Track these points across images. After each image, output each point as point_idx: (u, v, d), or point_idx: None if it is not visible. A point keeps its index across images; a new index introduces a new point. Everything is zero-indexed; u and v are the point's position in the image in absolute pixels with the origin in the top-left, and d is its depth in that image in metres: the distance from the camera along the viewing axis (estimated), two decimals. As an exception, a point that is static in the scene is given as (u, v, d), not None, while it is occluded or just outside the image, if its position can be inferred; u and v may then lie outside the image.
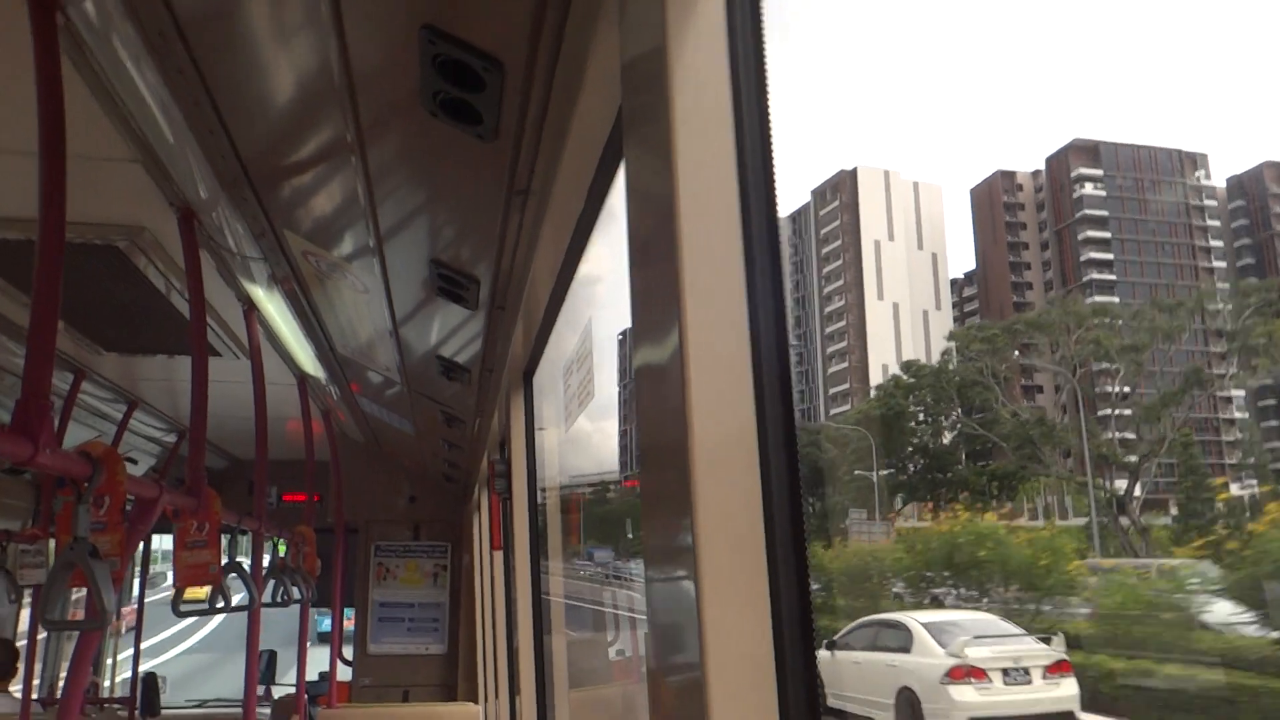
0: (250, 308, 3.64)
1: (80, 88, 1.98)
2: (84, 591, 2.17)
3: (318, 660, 7.81)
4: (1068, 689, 16.79)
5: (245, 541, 4.54)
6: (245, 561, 4.12)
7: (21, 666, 5.82)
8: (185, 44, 1.80)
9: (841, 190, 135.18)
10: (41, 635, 6.68)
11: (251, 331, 3.74)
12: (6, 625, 6.65)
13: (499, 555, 5.49)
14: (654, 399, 1.16)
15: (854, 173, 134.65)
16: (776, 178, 1.15)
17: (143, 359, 4.61)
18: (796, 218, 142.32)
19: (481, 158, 2.04)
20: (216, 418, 5.71)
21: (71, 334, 4.00)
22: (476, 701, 6.91)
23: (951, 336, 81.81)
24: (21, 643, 6.14)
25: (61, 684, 7.11)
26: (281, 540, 5.41)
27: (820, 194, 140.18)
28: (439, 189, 2.38)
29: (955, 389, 72.92)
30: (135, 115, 2.14)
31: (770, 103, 1.15)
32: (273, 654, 8.71)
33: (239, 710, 5.51)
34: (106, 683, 8.57)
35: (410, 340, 3.79)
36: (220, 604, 3.77)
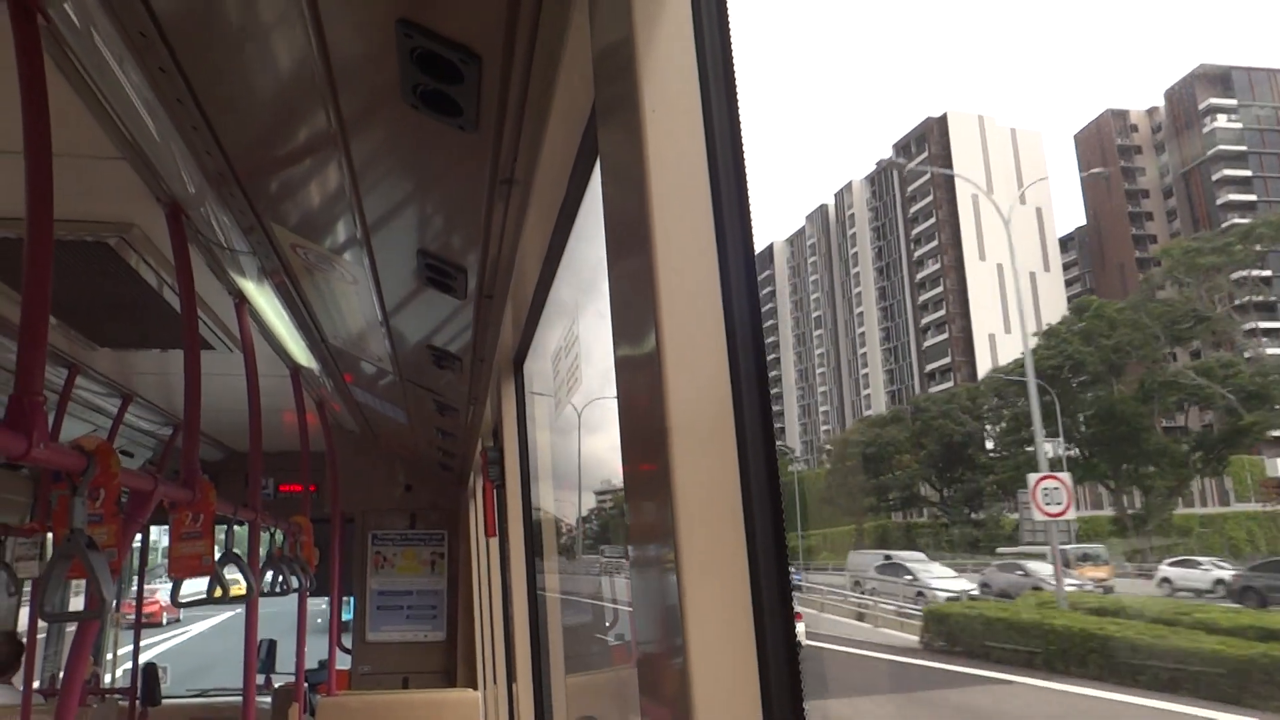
0: (241, 301, 3.66)
1: (64, 87, 2.00)
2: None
3: (317, 649, 7.85)
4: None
5: (244, 534, 4.56)
6: (242, 552, 4.15)
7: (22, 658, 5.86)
8: (166, 43, 1.82)
9: (929, 140, 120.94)
10: (42, 630, 6.72)
11: (243, 324, 3.75)
12: (8, 618, 6.69)
13: (494, 542, 5.52)
14: (633, 385, 1.18)
15: (943, 120, 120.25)
16: (747, 163, 1.17)
17: (136, 353, 4.62)
18: (876, 178, 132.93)
19: (464, 148, 2.06)
20: (211, 411, 5.76)
21: (65, 330, 4.01)
22: (476, 688, 6.95)
23: (1164, 253, 69.64)
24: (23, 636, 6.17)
25: (61, 675, 7.14)
26: (278, 530, 5.43)
27: (903, 148, 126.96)
28: (423, 180, 2.40)
29: (1162, 326, 58.63)
30: (120, 113, 2.15)
31: (739, 89, 1.18)
32: (272, 643, 8.76)
33: (239, 699, 5.54)
34: (108, 677, 8.62)
35: (401, 330, 3.81)
36: (218, 594, 3.80)
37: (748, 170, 1.16)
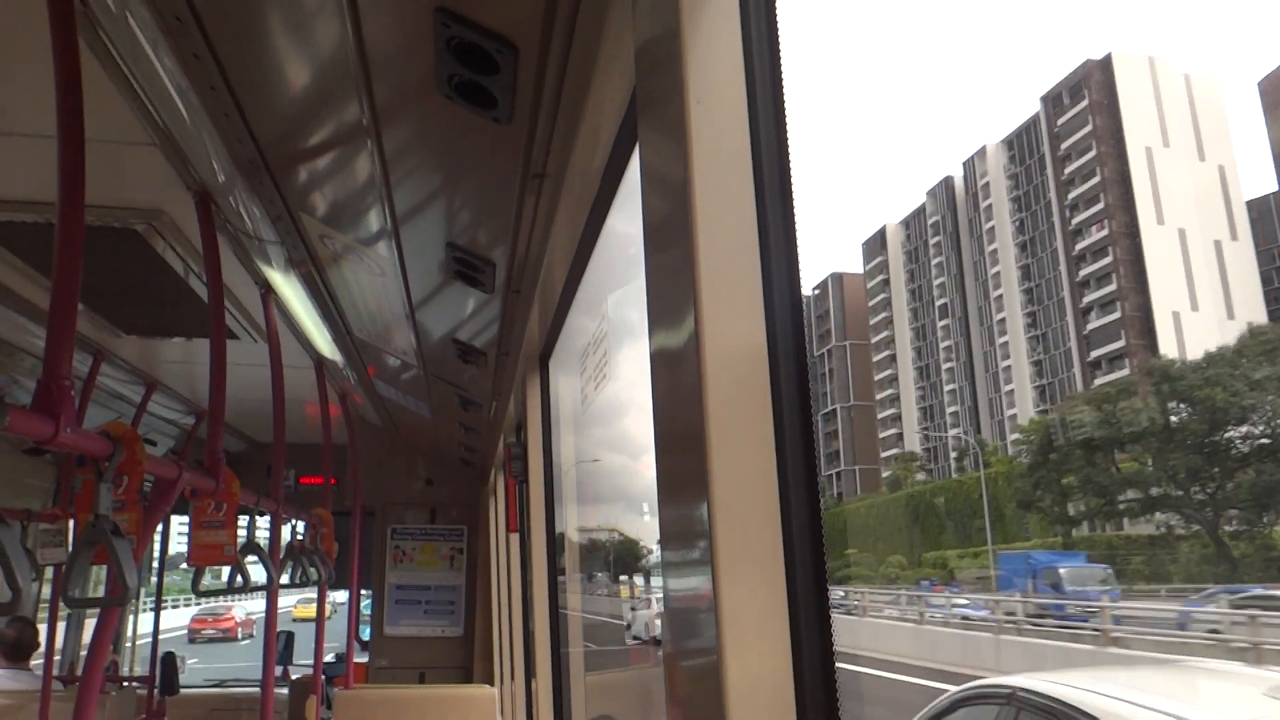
0: (267, 291, 3.66)
1: (98, 72, 1.99)
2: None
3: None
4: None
5: (265, 524, 4.57)
6: (263, 542, 4.15)
7: (42, 644, 5.89)
8: (201, 28, 1.81)
9: (1088, 87, 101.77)
10: (62, 616, 6.74)
11: (269, 315, 3.75)
12: (27, 604, 6.72)
13: (515, 538, 5.51)
14: (670, 384, 1.16)
15: (1106, 62, 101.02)
16: (791, 159, 1.15)
17: (161, 341, 4.63)
18: (1014, 141, 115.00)
19: (496, 141, 2.05)
20: (234, 400, 5.77)
21: (91, 316, 4.02)
22: (493, 684, 6.94)
23: None
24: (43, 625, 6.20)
25: (82, 662, 7.18)
26: (299, 522, 5.43)
27: (1054, 99, 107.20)
28: (454, 172, 2.39)
29: None
30: (152, 99, 2.15)
31: (785, 83, 1.15)
32: (290, 635, 8.77)
33: (257, 690, 5.54)
34: (126, 667, 8.66)
35: (426, 323, 3.80)
36: (239, 584, 3.80)
37: (792, 164, 1.14)
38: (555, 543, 4.42)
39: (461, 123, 1.98)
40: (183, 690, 7.45)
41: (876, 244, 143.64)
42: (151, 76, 2.03)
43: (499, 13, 1.60)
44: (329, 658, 8.05)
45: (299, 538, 5.30)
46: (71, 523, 3.62)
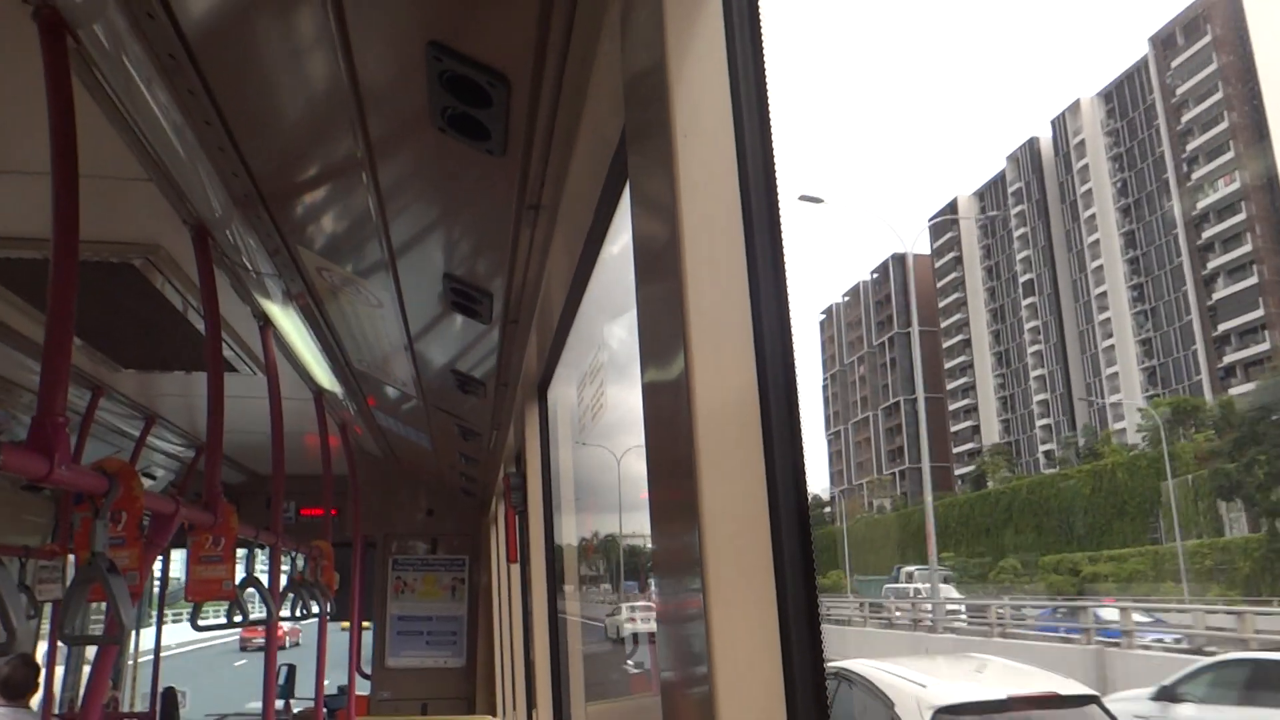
0: (266, 324, 3.66)
1: (93, 108, 2.00)
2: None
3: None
4: None
5: (264, 556, 4.56)
6: (263, 577, 4.13)
7: (41, 682, 5.86)
8: (195, 65, 1.82)
9: (1210, 22, 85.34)
10: (61, 651, 6.72)
11: (267, 347, 3.76)
12: (26, 641, 6.70)
13: (516, 569, 5.49)
14: (660, 413, 1.17)
15: None
16: (779, 190, 1.15)
17: (160, 375, 4.63)
18: (1113, 94, 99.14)
19: (491, 173, 2.06)
20: (234, 433, 5.76)
21: (89, 351, 4.03)
22: (495, 714, 6.91)
23: None
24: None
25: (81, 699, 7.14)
26: (300, 555, 5.42)
27: (1164, 41, 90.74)
28: (450, 204, 2.40)
29: None
30: (148, 135, 2.15)
31: (771, 114, 1.16)
32: (291, 667, 8.74)
33: None
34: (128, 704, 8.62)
35: (425, 354, 3.80)
36: (238, 618, 3.79)
37: (780, 194, 1.15)
38: (555, 573, 4.41)
39: (456, 155, 1.99)
40: None
41: (945, 220, 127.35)
42: (146, 112, 2.04)
43: (490, 46, 1.61)
44: (331, 690, 8.01)
45: (299, 570, 5.29)
46: (70, 558, 3.61)
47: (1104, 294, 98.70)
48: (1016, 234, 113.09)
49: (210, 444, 3.04)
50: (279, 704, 8.34)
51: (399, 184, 2.28)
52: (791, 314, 1.13)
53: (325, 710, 6.48)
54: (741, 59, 1.16)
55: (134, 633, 8.15)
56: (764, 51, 1.16)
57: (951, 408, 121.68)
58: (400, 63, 1.72)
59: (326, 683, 5.87)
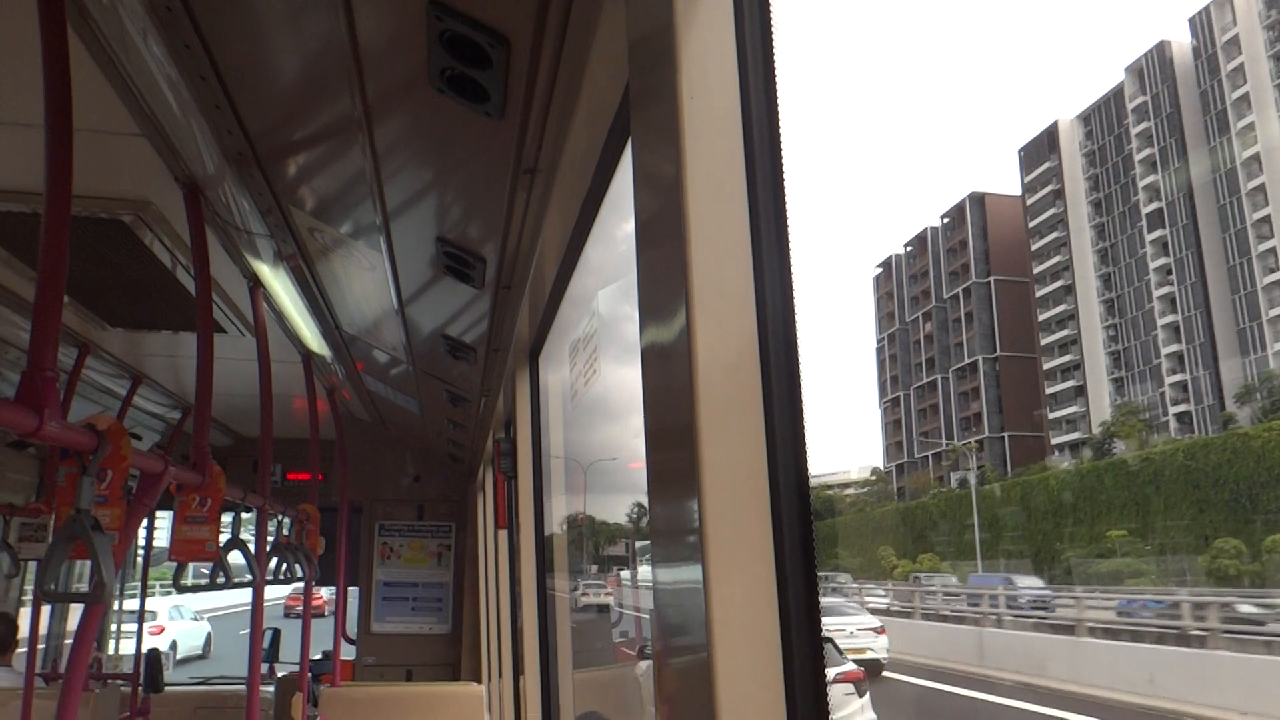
0: (256, 284, 3.64)
1: (87, 61, 1.98)
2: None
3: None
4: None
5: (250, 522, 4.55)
6: (249, 539, 4.13)
7: (25, 641, 5.86)
8: (192, 18, 1.80)
9: None
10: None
11: (257, 308, 3.74)
12: (7, 599, 6.69)
13: (504, 535, 5.50)
14: (661, 380, 1.16)
15: None
16: (784, 155, 1.14)
17: (148, 335, 4.61)
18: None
19: (488, 135, 2.04)
20: (221, 395, 5.75)
21: (77, 308, 4.00)
22: (480, 681, 6.93)
23: None
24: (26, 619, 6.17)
25: (65, 659, 7.14)
26: (285, 517, 5.41)
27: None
28: (446, 166, 2.38)
29: None
30: (142, 90, 2.13)
31: (778, 80, 1.15)
32: (276, 632, 8.75)
33: (243, 688, 5.52)
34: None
35: (416, 319, 3.79)
36: (221, 579, 3.78)
37: (784, 156, 1.14)
38: (544, 539, 4.42)
39: (453, 117, 1.97)
40: (167, 688, 7.41)
41: (1042, 148, 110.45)
42: (141, 66, 2.01)
43: (491, 6, 1.60)
44: (316, 655, 8.02)
45: (285, 533, 5.29)
46: (54, 518, 3.60)
47: (1265, 218, 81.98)
48: (1138, 157, 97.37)
49: (199, 404, 3.02)
50: (264, 668, 8.35)
51: (395, 145, 2.26)
52: (794, 277, 1.12)
53: (310, 675, 6.49)
54: (749, 18, 1.14)
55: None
56: (771, 11, 1.15)
57: (1047, 366, 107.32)
58: (400, 22, 1.69)
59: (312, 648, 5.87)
